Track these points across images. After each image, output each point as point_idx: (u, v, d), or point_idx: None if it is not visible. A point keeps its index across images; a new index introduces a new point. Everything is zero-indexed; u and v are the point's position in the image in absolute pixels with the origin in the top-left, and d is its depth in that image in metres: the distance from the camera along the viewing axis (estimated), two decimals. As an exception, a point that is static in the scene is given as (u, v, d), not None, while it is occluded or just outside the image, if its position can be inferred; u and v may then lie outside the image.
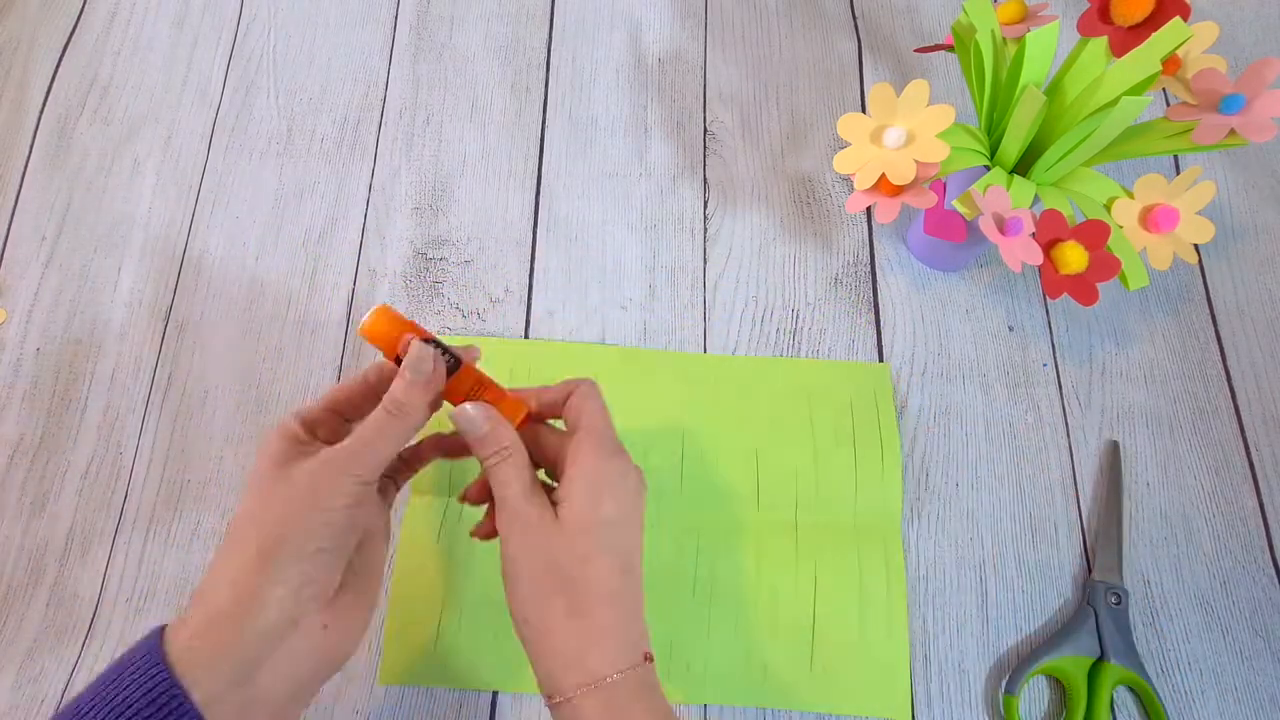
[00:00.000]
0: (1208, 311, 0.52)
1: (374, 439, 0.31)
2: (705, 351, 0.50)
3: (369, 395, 0.34)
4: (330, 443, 0.32)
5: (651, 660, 0.32)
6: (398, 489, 0.37)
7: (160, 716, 0.26)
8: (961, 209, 0.41)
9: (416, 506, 0.45)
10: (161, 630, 0.29)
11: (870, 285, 0.52)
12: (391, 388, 0.32)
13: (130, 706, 0.26)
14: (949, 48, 0.48)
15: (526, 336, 0.51)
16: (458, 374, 0.34)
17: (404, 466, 0.37)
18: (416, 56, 0.59)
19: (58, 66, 0.57)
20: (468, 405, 0.33)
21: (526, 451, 0.34)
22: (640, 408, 0.47)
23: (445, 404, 0.35)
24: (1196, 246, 0.51)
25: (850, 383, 0.49)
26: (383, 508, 0.35)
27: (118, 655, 0.29)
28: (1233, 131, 0.39)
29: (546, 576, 0.31)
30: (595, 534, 0.32)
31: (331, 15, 0.60)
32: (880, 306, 0.52)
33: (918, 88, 0.40)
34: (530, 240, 0.53)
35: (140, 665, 0.27)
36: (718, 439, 0.47)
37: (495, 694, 0.43)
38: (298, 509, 0.30)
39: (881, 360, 0.50)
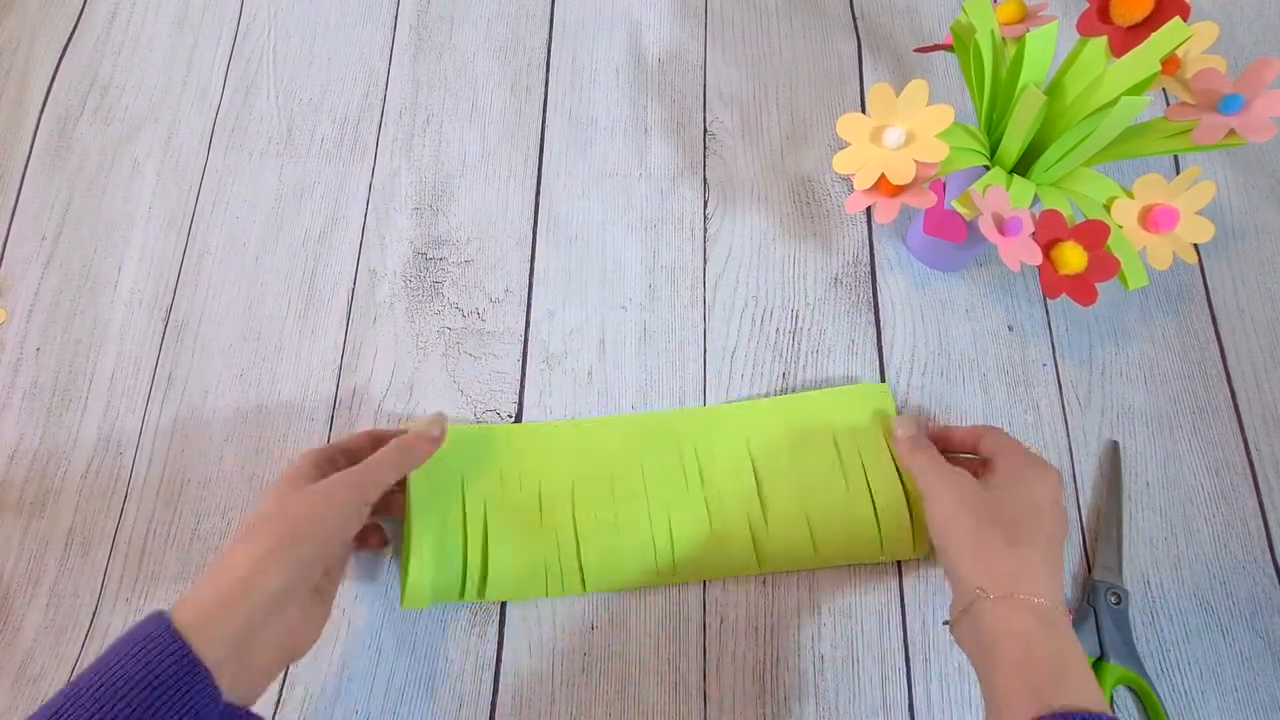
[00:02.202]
0: (1208, 311, 0.52)
1: (380, 467, 0.39)
2: (705, 352, 0.50)
3: (372, 448, 0.41)
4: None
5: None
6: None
7: (178, 675, 0.30)
8: (961, 209, 0.41)
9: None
10: (161, 612, 0.32)
11: (870, 285, 0.52)
12: (410, 433, 0.42)
13: (150, 670, 0.30)
14: (949, 48, 0.48)
15: (526, 336, 0.51)
16: None
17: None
18: (416, 56, 0.59)
19: (58, 66, 0.57)
20: None
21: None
22: (638, 475, 0.46)
23: None
24: (1196, 246, 0.51)
25: (850, 412, 0.47)
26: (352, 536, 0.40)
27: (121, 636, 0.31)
28: (1232, 131, 0.39)
29: (985, 520, 0.38)
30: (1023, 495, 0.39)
31: (331, 15, 0.60)
32: (880, 306, 0.52)
33: (917, 88, 0.40)
34: (530, 240, 0.53)
35: (155, 637, 0.30)
36: (722, 502, 0.45)
37: (494, 696, 0.43)
38: (309, 513, 0.36)
39: (882, 363, 0.50)
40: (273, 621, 0.33)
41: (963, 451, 0.45)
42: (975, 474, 0.41)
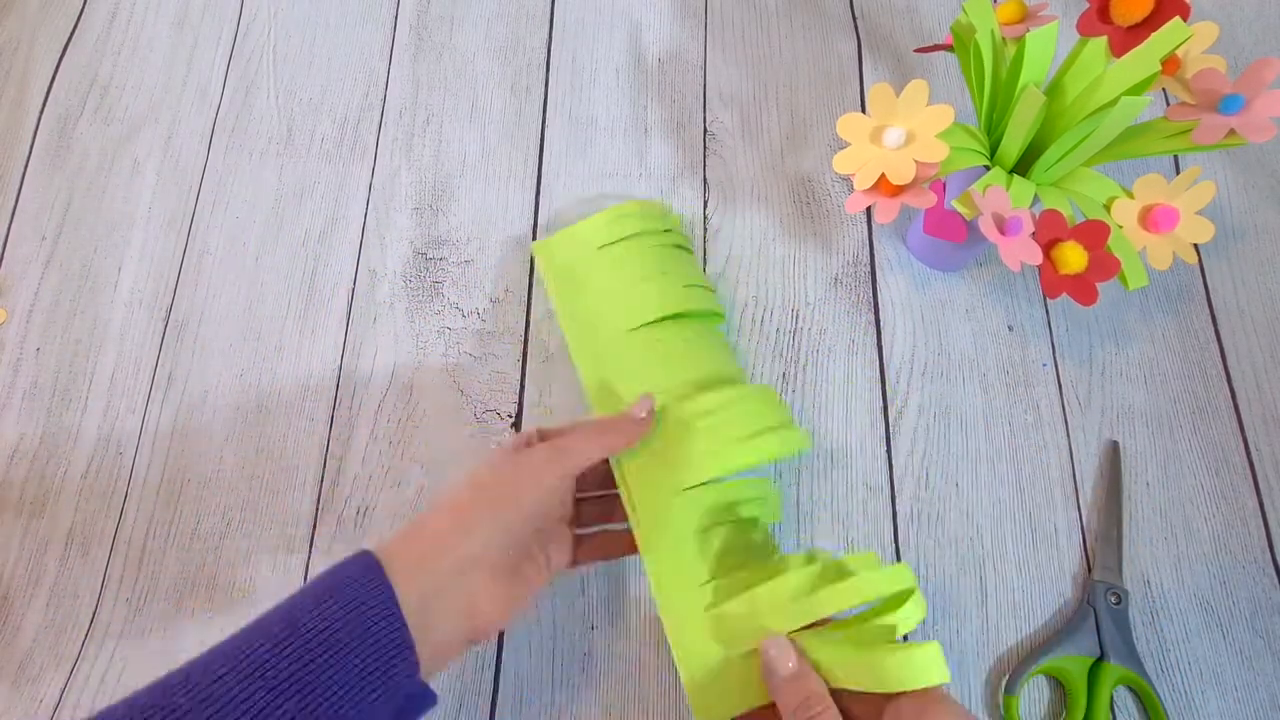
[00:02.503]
0: (1208, 311, 0.52)
1: (578, 437, 0.38)
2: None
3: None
4: None
5: None
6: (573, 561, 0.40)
7: (391, 645, 0.30)
8: (961, 209, 0.41)
9: None
10: (375, 563, 0.32)
11: (870, 285, 0.53)
12: (619, 415, 0.41)
13: (369, 633, 0.30)
14: (949, 48, 0.48)
15: (526, 337, 0.51)
16: None
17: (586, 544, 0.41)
18: (416, 56, 0.59)
19: (58, 66, 0.57)
20: (772, 644, 0.34)
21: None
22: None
23: (760, 625, 0.35)
24: (1196, 246, 0.51)
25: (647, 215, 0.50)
26: (564, 524, 0.40)
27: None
28: (1232, 131, 0.39)
29: None
30: None
31: (331, 15, 0.60)
32: (880, 306, 0.52)
33: (917, 88, 0.40)
34: (530, 240, 0.53)
35: (372, 597, 0.31)
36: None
37: (494, 696, 0.43)
38: (510, 478, 0.36)
39: (882, 363, 0.50)
40: (457, 586, 0.33)
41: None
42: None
